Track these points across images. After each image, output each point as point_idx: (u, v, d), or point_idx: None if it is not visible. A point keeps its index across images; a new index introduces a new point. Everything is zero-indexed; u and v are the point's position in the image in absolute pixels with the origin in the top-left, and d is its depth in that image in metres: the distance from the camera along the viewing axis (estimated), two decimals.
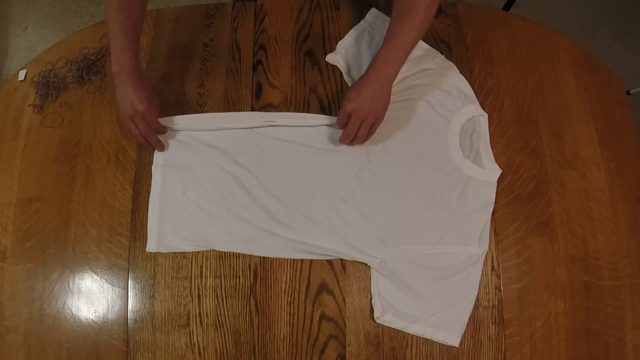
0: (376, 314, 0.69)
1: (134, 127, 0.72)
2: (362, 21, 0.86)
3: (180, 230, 0.74)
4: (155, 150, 0.78)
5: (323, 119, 0.77)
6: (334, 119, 0.76)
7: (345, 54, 0.83)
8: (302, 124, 0.77)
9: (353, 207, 0.73)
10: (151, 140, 0.75)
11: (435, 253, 0.70)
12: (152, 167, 0.78)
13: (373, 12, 0.86)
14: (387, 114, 0.76)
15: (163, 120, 0.76)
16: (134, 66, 0.70)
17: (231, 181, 0.75)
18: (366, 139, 0.73)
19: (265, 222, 0.73)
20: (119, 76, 0.70)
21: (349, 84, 0.81)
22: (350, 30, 0.85)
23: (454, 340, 0.68)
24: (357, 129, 0.71)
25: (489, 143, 0.77)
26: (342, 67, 0.83)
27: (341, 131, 0.74)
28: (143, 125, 0.72)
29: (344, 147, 0.76)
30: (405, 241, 0.71)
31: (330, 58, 0.84)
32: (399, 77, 0.78)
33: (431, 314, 0.68)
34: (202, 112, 0.81)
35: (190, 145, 0.78)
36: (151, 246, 0.74)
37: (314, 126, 0.77)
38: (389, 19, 0.84)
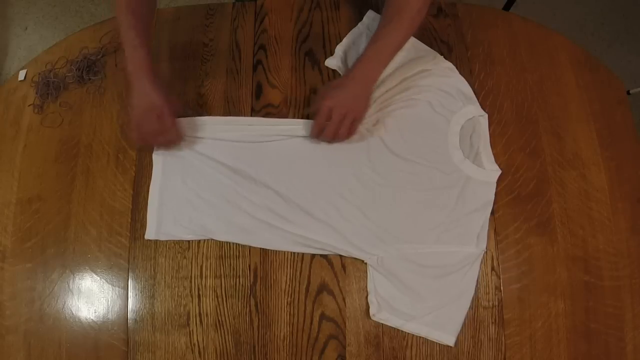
0: (372, 311, 0.69)
1: (150, 123, 0.70)
2: (359, 24, 0.86)
3: (180, 218, 0.74)
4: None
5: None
6: None
7: (344, 57, 0.83)
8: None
9: (352, 204, 0.73)
10: (169, 137, 0.73)
11: (432, 252, 0.71)
12: (153, 154, 0.78)
13: (370, 15, 0.86)
14: (388, 113, 0.77)
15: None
16: (148, 64, 0.70)
17: (231, 172, 0.75)
18: (346, 138, 0.73)
19: (264, 214, 0.73)
20: (135, 74, 0.70)
21: None
22: (348, 34, 0.85)
23: (449, 339, 0.68)
24: (338, 126, 0.71)
25: (488, 143, 0.77)
26: (341, 70, 0.82)
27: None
28: (156, 121, 0.70)
29: (345, 145, 0.76)
30: (403, 239, 0.71)
31: (330, 62, 0.83)
32: (399, 77, 0.79)
33: (427, 312, 0.68)
34: (202, 112, 0.81)
35: (192, 136, 0.78)
36: (150, 233, 0.74)
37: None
38: None
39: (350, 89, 0.69)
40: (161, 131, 0.72)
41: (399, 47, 0.71)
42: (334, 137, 0.72)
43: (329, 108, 0.69)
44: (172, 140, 0.75)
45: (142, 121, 0.71)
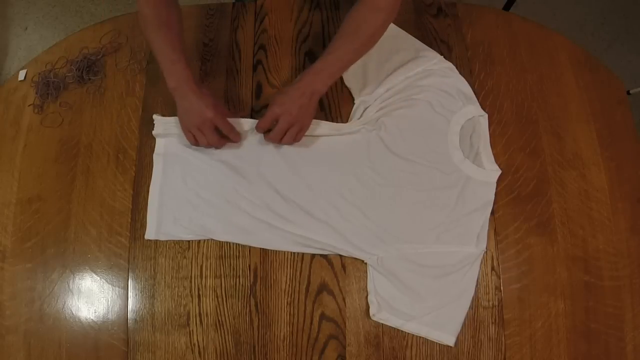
0: (372, 311, 0.69)
1: (202, 137, 0.71)
2: None
3: (180, 218, 0.74)
4: (157, 138, 0.78)
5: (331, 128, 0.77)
6: (341, 127, 0.76)
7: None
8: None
9: (352, 204, 0.73)
10: (232, 140, 0.74)
11: (432, 252, 0.71)
12: (154, 155, 0.78)
13: None
14: (388, 113, 0.77)
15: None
16: (190, 76, 0.69)
17: (231, 172, 0.75)
18: (290, 144, 0.74)
19: (264, 214, 0.73)
20: (179, 89, 0.69)
21: (353, 95, 0.80)
22: None
23: (449, 339, 0.68)
24: (283, 134, 0.71)
25: (488, 143, 0.77)
26: (348, 82, 0.81)
27: (336, 134, 0.74)
28: (212, 134, 0.71)
29: (345, 145, 0.76)
30: (403, 239, 0.71)
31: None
32: (399, 77, 0.79)
33: (427, 312, 0.68)
34: None
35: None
36: (150, 233, 0.74)
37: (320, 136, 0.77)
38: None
39: (297, 100, 0.69)
40: (220, 139, 0.72)
41: (349, 63, 0.71)
42: (279, 142, 0.73)
43: (276, 114, 0.69)
44: (235, 142, 0.75)
45: (199, 137, 0.71)
